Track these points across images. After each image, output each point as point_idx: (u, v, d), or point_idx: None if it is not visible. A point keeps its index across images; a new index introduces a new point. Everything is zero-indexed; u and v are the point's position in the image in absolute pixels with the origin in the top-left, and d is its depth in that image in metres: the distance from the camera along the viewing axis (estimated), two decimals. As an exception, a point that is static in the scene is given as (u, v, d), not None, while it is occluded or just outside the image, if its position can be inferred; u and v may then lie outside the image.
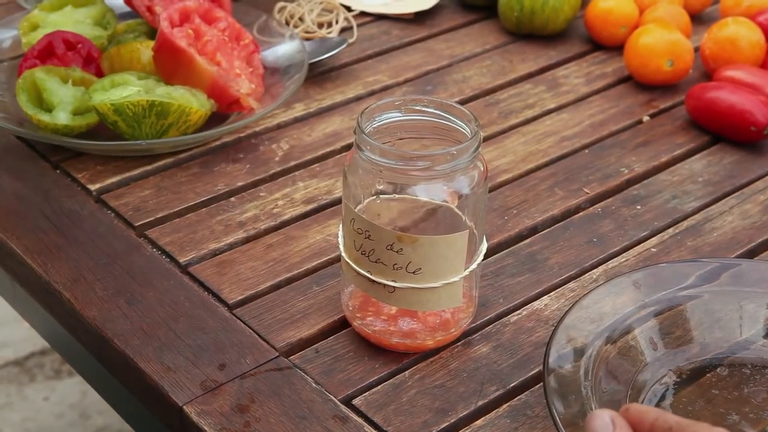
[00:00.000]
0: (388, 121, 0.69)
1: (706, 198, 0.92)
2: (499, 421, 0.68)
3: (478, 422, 0.68)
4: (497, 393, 0.71)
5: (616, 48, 1.16)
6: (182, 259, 0.82)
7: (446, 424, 0.68)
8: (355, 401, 0.69)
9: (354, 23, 1.19)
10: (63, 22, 1.03)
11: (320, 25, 1.18)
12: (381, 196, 0.69)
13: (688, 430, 0.53)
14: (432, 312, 0.72)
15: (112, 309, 0.76)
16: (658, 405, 0.69)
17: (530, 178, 0.94)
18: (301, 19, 1.19)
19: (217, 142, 0.97)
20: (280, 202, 0.89)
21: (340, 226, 0.73)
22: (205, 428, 0.66)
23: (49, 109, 0.93)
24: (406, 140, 0.71)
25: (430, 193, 0.68)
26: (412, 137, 0.71)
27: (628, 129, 1.03)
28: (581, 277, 0.82)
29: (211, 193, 0.90)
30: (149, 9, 1.02)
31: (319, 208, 0.89)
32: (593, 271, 0.83)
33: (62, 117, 0.92)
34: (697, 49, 1.14)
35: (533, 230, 0.88)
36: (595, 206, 0.91)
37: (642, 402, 0.68)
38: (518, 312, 0.78)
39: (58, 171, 0.93)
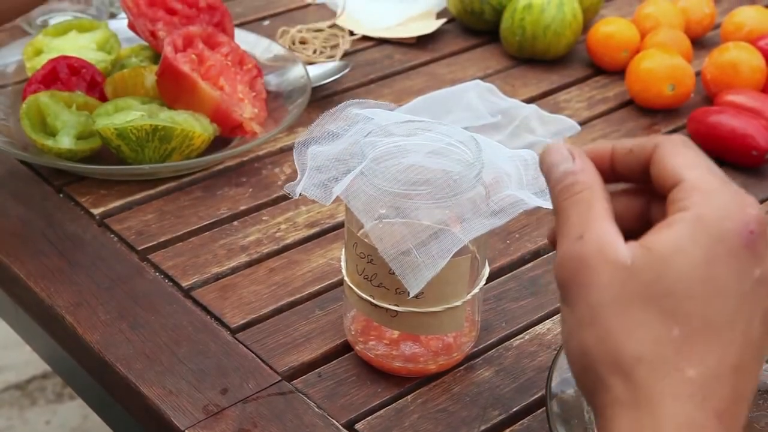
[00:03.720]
0: (390, 144, 0.70)
1: (708, 222, 0.92)
2: (502, 446, 0.68)
3: (481, 447, 0.68)
4: (500, 417, 0.70)
5: (618, 72, 1.16)
6: (185, 283, 0.82)
7: (449, 448, 0.68)
8: (358, 426, 0.69)
9: (352, 44, 1.20)
10: (67, 47, 1.04)
11: (323, 50, 1.19)
12: (383, 220, 0.69)
13: (647, 144, 0.51)
14: (434, 336, 0.72)
15: (114, 333, 0.76)
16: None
17: (532, 202, 0.94)
18: (303, 43, 1.20)
19: (220, 166, 0.97)
20: (283, 226, 0.89)
21: (343, 250, 0.73)
22: (208, 453, 0.66)
23: (52, 134, 0.94)
24: (408, 165, 0.71)
25: (432, 217, 0.68)
26: (415, 161, 0.71)
27: (630, 153, 1.03)
28: (583, 302, 0.82)
29: (213, 217, 0.90)
30: (153, 34, 1.03)
31: (321, 232, 0.89)
32: (595, 295, 0.82)
33: (66, 141, 0.92)
34: (698, 74, 1.14)
35: (535, 254, 0.88)
36: (597, 230, 0.91)
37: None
38: (521, 336, 0.78)
39: (61, 195, 0.93)
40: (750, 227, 0.47)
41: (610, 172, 0.52)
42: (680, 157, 0.50)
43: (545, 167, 0.52)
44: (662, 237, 0.47)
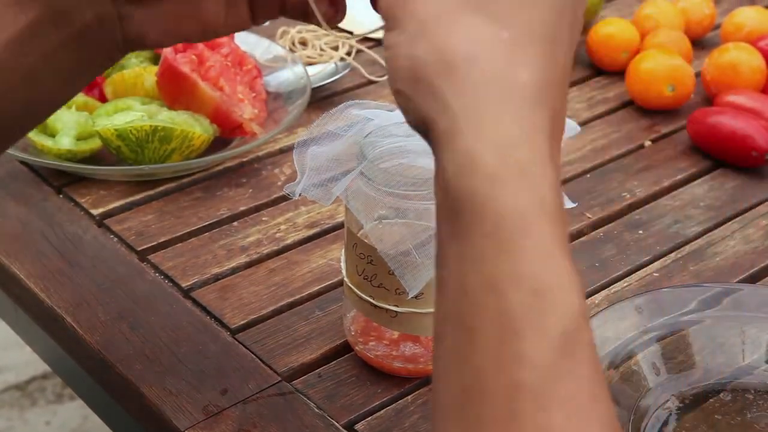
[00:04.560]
0: (390, 145, 0.70)
1: (708, 223, 0.92)
2: (502, 447, 0.68)
3: (481, 447, 0.68)
4: (500, 418, 0.70)
5: (618, 73, 1.16)
6: (185, 284, 0.82)
7: (449, 449, 0.68)
8: (358, 426, 0.69)
9: (356, 47, 1.20)
10: (67, 48, 1.04)
11: (323, 51, 1.19)
12: (383, 220, 0.69)
13: None
14: (434, 337, 0.72)
15: (114, 333, 0.76)
16: (661, 430, 0.68)
17: (532, 203, 0.94)
18: (303, 44, 1.20)
19: (220, 167, 0.97)
20: (283, 227, 0.89)
21: (342, 250, 0.73)
22: (207, 453, 0.66)
23: (52, 135, 0.94)
24: (408, 165, 0.71)
25: (432, 217, 0.68)
26: (415, 161, 0.71)
27: (630, 154, 1.03)
28: (583, 302, 0.82)
29: (213, 218, 0.90)
30: (153, 34, 1.03)
31: (321, 232, 0.89)
32: (595, 295, 0.83)
33: (65, 142, 0.92)
34: (698, 75, 1.14)
35: (535, 255, 0.87)
36: (597, 231, 0.91)
37: (645, 429, 0.68)
38: (520, 337, 0.78)
39: (61, 196, 0.93)
40: None
41: None
42: None
43: None
44: None
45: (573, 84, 1.16)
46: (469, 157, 0.44)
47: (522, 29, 0.47)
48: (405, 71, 0.47)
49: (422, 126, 0.47)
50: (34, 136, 0.93)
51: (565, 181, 0.98)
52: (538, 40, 0.47)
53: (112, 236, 0.88)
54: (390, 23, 0.49)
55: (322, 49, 1.19)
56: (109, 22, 0.60)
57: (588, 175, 0.99)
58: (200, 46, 0.99)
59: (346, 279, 0.72)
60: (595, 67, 1.19)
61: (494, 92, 0.45)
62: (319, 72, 1.12)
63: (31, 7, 0.57)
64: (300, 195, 0.68)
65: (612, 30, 1.17)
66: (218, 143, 0.97)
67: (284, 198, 0.93)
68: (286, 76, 1.07)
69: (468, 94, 0.45)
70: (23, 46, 0.58)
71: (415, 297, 0.68)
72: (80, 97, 0.97)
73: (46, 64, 0.59)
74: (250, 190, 0.94)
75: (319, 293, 0.82)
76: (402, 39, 0.48)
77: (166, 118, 0.93)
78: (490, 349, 0.43)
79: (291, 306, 0.80)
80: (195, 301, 0.80)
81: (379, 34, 1.23)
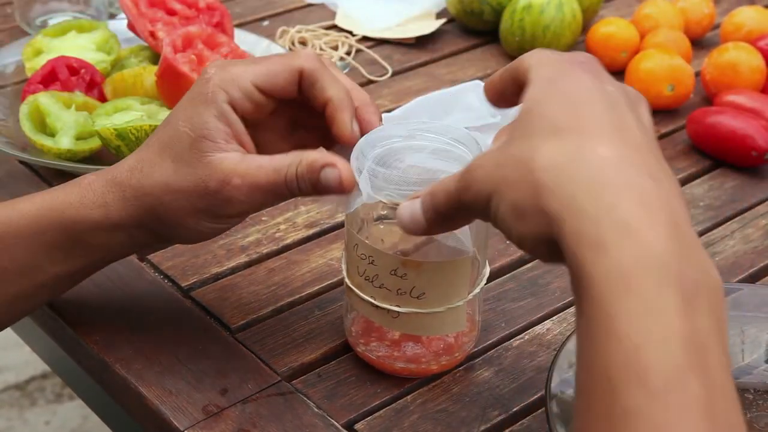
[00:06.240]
0: (390, 145, 0.70)
1: (708, 222, 0.92)
2: (502, 447, 0.68)
3: (481, 447, 0.68)
4: (499, 418, 0.70)
5: (617, 73, 1.16)
6: (184, 284, 0.82)
7: (449, 449, 0.68)
8: (357, 426, 0.69)
9: (355, 47, 1.20)
10: (66, 48, 1.04)
11: (322, 50, 1.19)
12: (384, 221, 0.69)
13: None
14: (436, 336, 0.72)
15: (113, 333, 0.76)
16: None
17: (532, 203, 0.94)
18: (303, 43, 1.20)
19: (220, 167, 0.97)
20: (282, 227, 0.89)
21: (343, 251, 0.73)
22: (207, 453, 0.66)
23: (52, 134, 0.94)
24: (408, 165, 0.71)
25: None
26: (415, 161, 0.71)
27: (630, 153, 1.03)
28: (583, 302, 0.82)
29: (213, 218, 0.90)
30: (152, 34, 1.03)
31: (321, 232, 0.89)
32: (595, 295, 0.82)
33: (65, 142, 0.92)
34: (697, 74, 1.14)
35: (535, 255, 0.88)
36: (597, 231, 0.91)
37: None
38: (520, 336, 0.78)
39: (60, 195, 0.93)
40: (579, 58, 0.57)
41: None
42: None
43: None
44: (525, 96, 0.56)
45: (572, 84, 1.16)
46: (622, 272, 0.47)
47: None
48: (528, 227, 0.52)
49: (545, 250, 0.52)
50: (33, 135, 0.93)
51: (565, 181, 0.98)
52: (609, 133, 0.52)
53: (111, 236, 0.88)
54: (495, 198, 0.54)
55: (321, 49, 1.19)
56: (154, 249, 0.79)
57: (587, 175, 0.99)
58: (200, 45, 0.99)
59: (346, 280, 0.72)
60: (595, 67, 1.19)
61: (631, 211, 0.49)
62: (319, 72, 1.12)
63: (84, 253, 0.69)
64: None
65: (611, 29, 1.17)
66: (218, 143, 0.97)
67: (284, 198, 0.93)
68: (286, 75, 1.06)
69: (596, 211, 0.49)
70: (71, 276, 0.72)
71: (417, 297, 0.68)
72: (80, 97, 0.97)
73: (86, 277, 0.74)
74: (250, 190, 0.94)
75: (318, 293, 0.82)
76: (506, 208, 0.53)
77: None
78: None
79: (291, 306, 0.80)
80: (195, 301, 0.80)
81: (378, 33, 1.24)
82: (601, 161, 0.50)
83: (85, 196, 0.68)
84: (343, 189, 0.65)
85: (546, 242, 0.51)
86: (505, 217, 0.53)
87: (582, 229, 0.48)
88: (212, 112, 0.66)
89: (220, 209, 0.66)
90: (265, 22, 1.26)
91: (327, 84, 0.68)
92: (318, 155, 0.65)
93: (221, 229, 0.69)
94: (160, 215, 0.67)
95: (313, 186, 0.65)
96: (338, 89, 0.68)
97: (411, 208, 0.60)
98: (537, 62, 0.58)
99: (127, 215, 0.67)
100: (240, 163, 0.66)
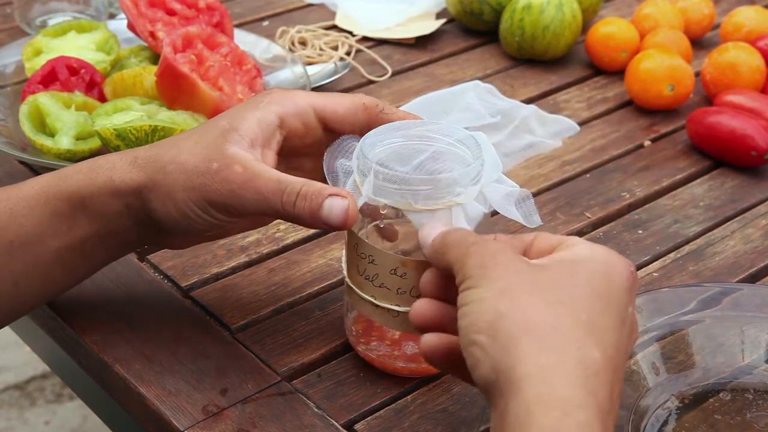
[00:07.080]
0: (390, 145, 0.70)
1: (708, 222, 0.92)
2: (502, 447, 0.68)
3: (481, 447, 0.68)
4: (499, 418, 0.70)
5: (617, 73, 1.17)
6: (184, 284, 0.82)
7: (448, 449, 0.68)
8: (357, 426, 0.69)
9: (355, 47, 1.20)
10: (66, 48, 1.04)
11: (322, 50, 1.19)
12: (384, 220, 0.69)
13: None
14: (434, 336, 0.72)
15: (113, 333, 0.76)
16: (660, 430, 0.68)
17: (532, 203, 0.94)
18: (303, 43, 1.20)
19: (220, 167, 0.97)
20: (282, 227, 0.89)
21: (343, 251, 0.73)
22: (207, 453, 0.66)
23: (51, 134, 0.94)
24: (409, 165, 0.71)
25: (432, 217, 0.68)
26: (415, 162, 0.71)
27: (630, 153, 1.03)
28: (583, 302, 0.81)
29: (213, 218, 0.90)
30: (152, 34, 1.03)
31: (321, 232, 0.89)
32: (595, 295, 0.82)
33: (65, 142, 0.92)
34: (697, 74, 1.14)
35: (535, 255, 0.87)
36: (597, 230, 0.91)
37: (645, 428, 0.68)
38: (520, 336, 0.78)
39: (60, 195, 0.93)
40: (631, 267, 0.58)
41: None
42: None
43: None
44: (566, 252, 0.58)
45: (572, 84, 1.16)
46: (534, 410, 0.51)
47: (597, 318, 0.55)
48: (486, 324, 0.54)
49: (492, 375, 0.54)
50: (33, 135, 0.93)
51: (565, 181, 0.98)
52: (610, 328, 0.55)
53: (111, 236, 0.88)
54: (473, 281, 0.56)
55: (321, 49, 1.19)
56: (149, 238, 0.72)
57: (587, 175, 0.99)
58: (200, 45, 0.99)
59: (347, 279, 0.72)
60: (595, 67, 1.19)
61: (570, 358, 0.52)
62: (319, 72, 1.12)
63: (84, 223, 0.69)
64: None
65: (611, 29, 1.17)
66: (218, 143, 0.97)
67: (284, 198, 0.93)
68: (286, 75, 1.07)
69: (547, 353, 0.52)
70: (71, 253, 0.70)
71: (417, 297, 0.68)
72: (80, 97, 0.97)
73: (84, 262, 0.72)
74: (250, 190, 0.94)
75: (318, 293, 0.82)
76: (488, 296, 0.55)
77: (166, 117, 0.93)
78: None
79: (291, 306, 0.80)
80: (195, 301, 0.80)
81: (378, 33, 1.24)
82: (589, 361, 0.54)
83: (96, 162, 0.70)
84: (346, 223, 0.65)
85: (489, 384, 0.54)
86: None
87: (536, 400, 0.52)
88: (256, 115, 0.68)
89: (210, 191, 0.67)
90: (265, 22, 1.26)
91: (392, 111, 0.71)
92: (327, 186, 0.66)
93: (201, 222, 0.68)
94: (158, 183, 0.68)
95: (310, 213, 0.65)
96: (404, 114, 0.72)
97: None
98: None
99: (129, 179, 0.68)
100: (250, 159, 0.67)
